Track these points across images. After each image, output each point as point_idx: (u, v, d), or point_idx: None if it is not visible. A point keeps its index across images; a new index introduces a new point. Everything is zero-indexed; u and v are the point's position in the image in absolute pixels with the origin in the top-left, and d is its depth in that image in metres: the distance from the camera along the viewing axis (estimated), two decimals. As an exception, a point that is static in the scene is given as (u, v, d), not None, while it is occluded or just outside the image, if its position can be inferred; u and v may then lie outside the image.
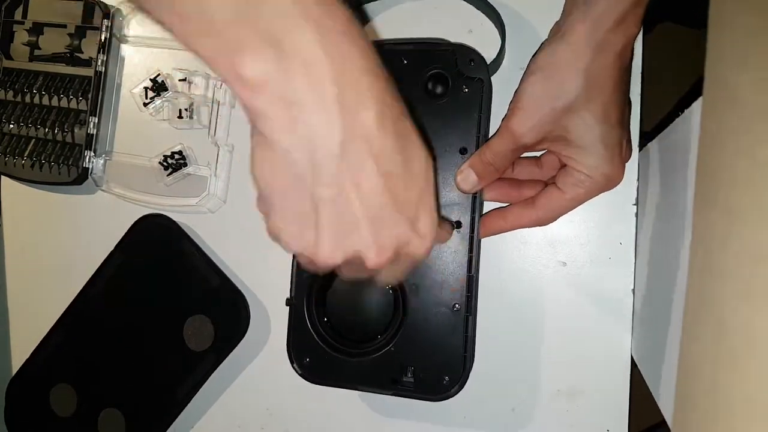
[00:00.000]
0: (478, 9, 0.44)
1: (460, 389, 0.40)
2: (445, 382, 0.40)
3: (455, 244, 0.40)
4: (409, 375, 0.40)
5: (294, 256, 0.43)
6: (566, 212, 0.38)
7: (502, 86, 0.42)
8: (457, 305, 0.39)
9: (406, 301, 0.40)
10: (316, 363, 0.42)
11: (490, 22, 0.44)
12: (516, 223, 0.39)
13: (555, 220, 0.39)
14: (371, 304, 0.42)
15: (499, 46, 0.43)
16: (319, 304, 0.43)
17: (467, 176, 0.38)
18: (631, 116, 0.41)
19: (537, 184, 0.40)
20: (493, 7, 0.43)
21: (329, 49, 0.23)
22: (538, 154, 0.41)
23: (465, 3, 0.44)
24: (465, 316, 0.39)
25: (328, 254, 0.27)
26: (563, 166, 0.38)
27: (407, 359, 0.40)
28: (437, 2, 0.46)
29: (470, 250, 0.39)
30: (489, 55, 0.41)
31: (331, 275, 0.43)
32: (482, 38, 0.44)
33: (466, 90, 0.40)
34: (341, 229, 0.26)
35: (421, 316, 0.40)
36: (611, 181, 0.37)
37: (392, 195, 0.26)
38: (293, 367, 0.42)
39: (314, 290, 0.42)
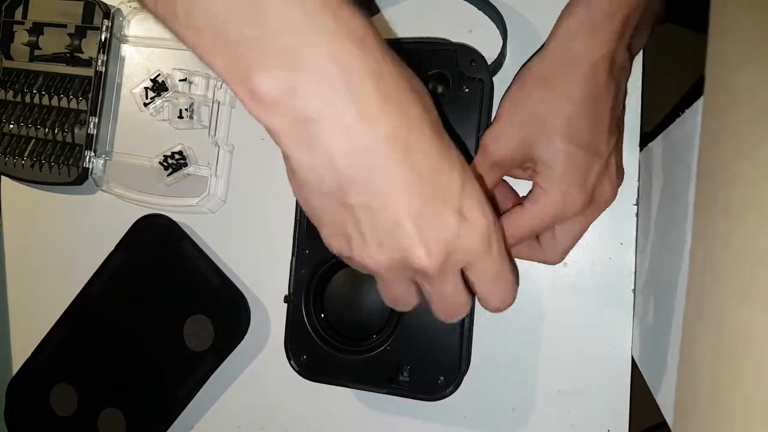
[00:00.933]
0: (478, 9, 0.44)
1: (455, 389, 0.40)
2: (440, 382, 0.40)
3: None
4: (405, 374, 0.40)
5: (293, 254, 0.43)
6: (529, 232, 0.35)
7: (503, 87, 0.42)
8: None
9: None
10: (312, 360, 0.42)
11: (491, 22, 0.44)
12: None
13: (520, 240, 0.36)
14: (369, 303, 0.42)
15: (501, 46, 0.43)
16: (317, 301, 0.43)
17: None
18: (632, 117, 0.41)
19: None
20: (495, 7, 0.42)
21: (342, 60, 0.22)
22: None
23: (465, 2, 0.44)
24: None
25: (375, 259, 0.26)
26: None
27: (403, 358, 0.40)
28: (437, 2, 0.46)
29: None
30: (489, 56, 0.41)
31: (330, 273, 0.43)
32: (483, 38, 0.44)
33: (467, 90, 0.40)
34: (384, 232, 0.25)
35: (418, 315, 0.40)
36: (569, 203, 0.34)
37: (431, 187, 0.25)
38: (290, 364, 0.42)
39: (313, 288, 0.42)
